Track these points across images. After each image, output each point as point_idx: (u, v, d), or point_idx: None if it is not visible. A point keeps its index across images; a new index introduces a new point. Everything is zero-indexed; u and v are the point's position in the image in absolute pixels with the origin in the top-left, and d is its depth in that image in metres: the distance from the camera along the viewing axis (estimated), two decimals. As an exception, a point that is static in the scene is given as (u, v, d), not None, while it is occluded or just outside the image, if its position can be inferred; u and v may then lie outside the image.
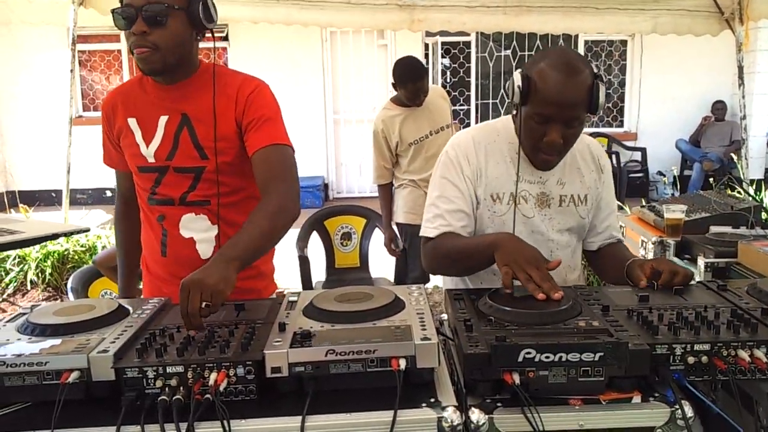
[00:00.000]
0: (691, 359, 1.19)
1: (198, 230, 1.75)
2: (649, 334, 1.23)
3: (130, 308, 1.45)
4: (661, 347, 1.19)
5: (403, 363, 1.15)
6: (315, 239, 3.97)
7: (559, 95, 1.53)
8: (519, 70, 1.61)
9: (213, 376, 1.14)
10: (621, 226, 2.76)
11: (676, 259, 2.64)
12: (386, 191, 3.77)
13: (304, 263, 3.72)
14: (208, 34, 1.70)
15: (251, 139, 1.66)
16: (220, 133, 1.67)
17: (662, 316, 1.31)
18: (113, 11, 1.60)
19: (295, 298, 1.46)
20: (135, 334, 1.29)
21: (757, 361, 1.17)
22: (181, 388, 1.14)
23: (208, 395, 1.12)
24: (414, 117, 3.56)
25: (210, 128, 1.67)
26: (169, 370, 1.15)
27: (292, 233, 3.77)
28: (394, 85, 3.55)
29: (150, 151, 1.71)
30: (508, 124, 1.75)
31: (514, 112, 1.68)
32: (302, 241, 3.86)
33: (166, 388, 1.14)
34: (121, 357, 1.19)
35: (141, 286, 1.96)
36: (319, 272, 4.05)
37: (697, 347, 1.19)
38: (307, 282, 3.73)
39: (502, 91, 8.94)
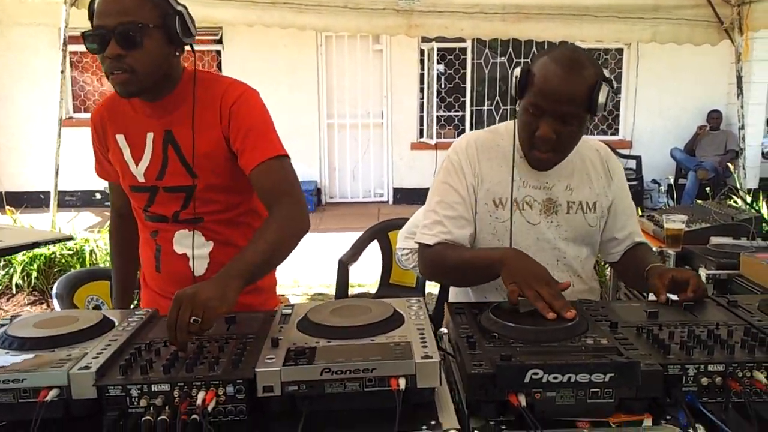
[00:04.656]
0: (704, 380, 1.13)
1: (191, 246, 1.68)
2: (660, 354, 1.17)
3: (116, 320, 1.38)
4: (673, 367, 1.14)
5: (402, 382, 1.09)
6: (375, 249, 3.72)
7: (554, 87, 1.49)
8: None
9: (201, 395, 1.07)
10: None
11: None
12: None
13: (342, 270, 3.48)
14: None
15: (245, 157, 1.57)
16: (206, 148, 1.60)
17: (673, 334, 1.25)
18: (84, 35, 1.50)
19: (289, 311, 1.39)
20: (120, 349, 1.22)
21: (773, 383, 1.12)
22: (167, 407, 1.08)
23: (195, 415, 1.06)
24: None
25: (196, 144, 1.60)
26: (154, 388, 1.09)
27: (350, 237, 3.63)
28: None
29: (140, 170, 1.64)
30: (511, 128, 1.70)
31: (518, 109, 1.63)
32: (356, 249, 3.61)
33: (151, 408, 1.08)
34: (104, 374, 1.12)
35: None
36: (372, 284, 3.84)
37: (711, 368, 1.14)
38: (342, 291, 3.50)
39: (497, 97, 8.92)
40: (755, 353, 1.16)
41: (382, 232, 3.71)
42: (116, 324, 1.35)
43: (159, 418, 1.06)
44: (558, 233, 1.67)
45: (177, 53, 1.58)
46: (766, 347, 1.18)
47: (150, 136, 1.63)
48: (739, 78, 4.92)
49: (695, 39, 5.01)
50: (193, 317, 1.20)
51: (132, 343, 1.27)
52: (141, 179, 1.65)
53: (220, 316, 1.26)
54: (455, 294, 1.81)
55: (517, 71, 1.55)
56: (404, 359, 1.11)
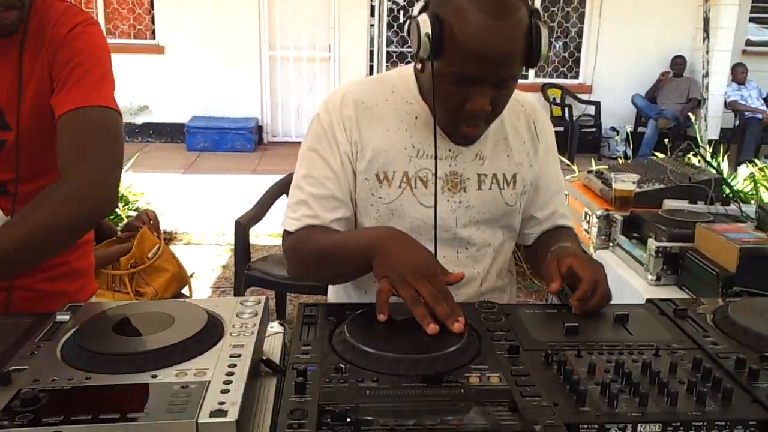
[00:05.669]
0: (632, 448, 0.78)
1: None
2: (571, 402, 0.81)
3: None
4: (588, 429, 0.77)
5: (172, 458, 0.71)
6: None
7: (486, 48, 1.04)
8: (424, 9, 1.09)
9: None
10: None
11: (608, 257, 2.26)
12: None
13: (241, 233, 3.01)
14: None
15: (61, 97, 1.19)
16: (28, 90, 1.21)
17: (594, 366, 0.88)
18: None
19: (66, 318, 0.98)
20: None
21: (729, 452, 0.77)
22: None
23: None
24: None
25: (14, 87, 1.20)
26: None
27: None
28: None
29: None
30: (407, 79, 1.25)
31: (419, 66, 1.19)
32: (260, 207, 3.12)
33: None
34: None
35: None
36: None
37: (641, 428, 0.78)
38: (242, 257, 3.06)
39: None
40: (706, 405, 0.81)
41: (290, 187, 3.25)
42: None
43: None
44: (467, 216, 1.24)
45: None
46: (722, 393, 0.82)
47: None
48: (706, 21, 4.54)
49: (662, -25, 4.59)
50: None
51: None
52: None
53: None
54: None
55: (423, 24, 1.07)
56: (180, 418, 0.73)
